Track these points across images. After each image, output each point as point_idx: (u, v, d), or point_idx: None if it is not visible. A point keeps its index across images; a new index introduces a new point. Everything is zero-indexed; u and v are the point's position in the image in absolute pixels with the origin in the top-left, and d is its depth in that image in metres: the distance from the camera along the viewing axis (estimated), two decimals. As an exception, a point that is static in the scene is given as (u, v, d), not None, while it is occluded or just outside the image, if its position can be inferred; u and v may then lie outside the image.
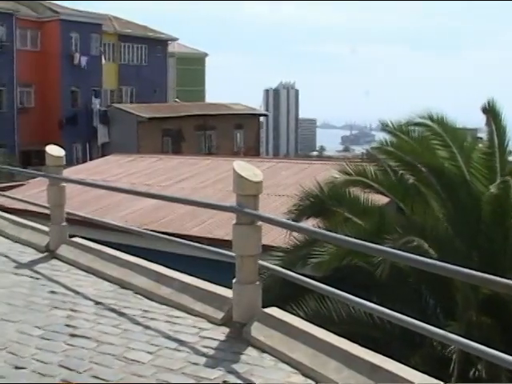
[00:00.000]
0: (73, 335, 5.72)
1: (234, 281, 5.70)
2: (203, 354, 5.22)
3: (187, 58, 68.53)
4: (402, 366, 4.49)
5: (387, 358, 4.58)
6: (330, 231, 6.68)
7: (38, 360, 5.24)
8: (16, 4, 49.09)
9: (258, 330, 5.43)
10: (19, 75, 47.30)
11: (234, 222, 5.67)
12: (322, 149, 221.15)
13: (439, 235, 9.08)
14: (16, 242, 9.78)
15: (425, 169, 10.02)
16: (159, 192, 11.54)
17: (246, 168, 5.62)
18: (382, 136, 11.67)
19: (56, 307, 6.55)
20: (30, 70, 47.74)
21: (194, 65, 69.33)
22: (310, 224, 9.76)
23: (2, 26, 46.52)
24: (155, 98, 55.94)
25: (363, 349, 4.78)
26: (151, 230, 8.92)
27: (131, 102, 54.81)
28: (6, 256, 8.92)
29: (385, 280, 8.37)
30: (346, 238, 5.59)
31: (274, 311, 5.63)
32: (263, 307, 5.71)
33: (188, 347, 5.37)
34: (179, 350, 5.31)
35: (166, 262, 7.48)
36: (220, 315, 5.87)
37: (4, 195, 13.31)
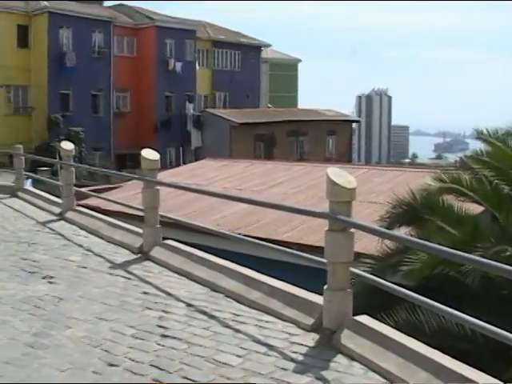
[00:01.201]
0: (164, 336, 5.80)
1: (325, 287, 5.66)
2: (292, 360, 5.20)
3: (280, 64, 68.73)
4: (495, 380, 4.37)
5: (478, 371, 4.46)
6: (422, 240, 6.56)
7: (130, 359, 5.33)
8: (114, 12, 50.35)
9: (348, 338, 5.38)
10: (116, 80, 48.43)
11: (327, 228, 5.63)
12: (415, 156, 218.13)
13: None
14: (110, 242, 10.03)
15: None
16: (251, 197, 11.59)
17: (340, 174, 5.58)
18: (476, 144, 11.41)
19: (148, 308, 6.67)
20: (126, 76, 48.80)
21: (286, 71, 69.47)
22: (402, 232, 9.62)
23: (100, 33, 47.73)
24: (248, 104, 56.29)
25: (454, 360, 4.66)
26: (242, 235, 8.96)
27: (224, 108, 55.33)
28: (101, 256, 9.16)
29: (477, 291, 8.17)
30: (439, 246, 5.47)
31: (364, 319, 5.57)
32: (353, 315, 5.66)
33: (277, 352, 5.36)
34: (268, 355, 5.31)
35: (255, 266, 7.51)
36: (310, 321, 5.85)
37: (100, 197, 13.65)
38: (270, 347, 5.46)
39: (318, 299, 5.98)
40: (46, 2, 45.10)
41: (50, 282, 7.81)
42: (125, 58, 49.79)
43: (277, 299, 6.37)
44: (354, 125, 69.62)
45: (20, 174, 16.13)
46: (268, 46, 63.59)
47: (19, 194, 15.53)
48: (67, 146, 12.93)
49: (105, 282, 7.80)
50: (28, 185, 17.53)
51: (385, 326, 5.66)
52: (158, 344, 5.62)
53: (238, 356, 5.30)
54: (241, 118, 47.86)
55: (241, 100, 55.96)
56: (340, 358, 5.19)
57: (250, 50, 59.43)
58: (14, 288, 7.56)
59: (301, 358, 5.25)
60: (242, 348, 5.46)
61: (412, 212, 9.93)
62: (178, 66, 51.09)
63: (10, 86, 44.52)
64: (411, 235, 9.35)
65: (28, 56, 45.15)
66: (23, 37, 45.12)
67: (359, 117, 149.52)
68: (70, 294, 7.27)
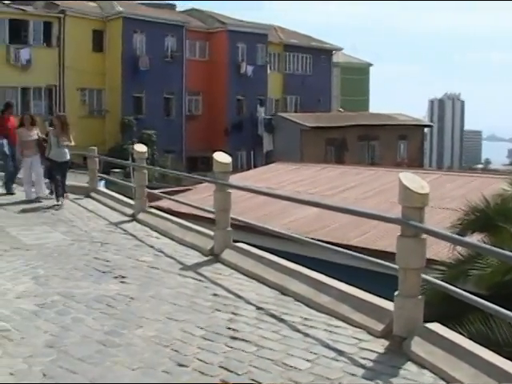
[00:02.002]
0: (233, 338, 5.83)
1: (395, 293, 5.61)
2: (361, 366, 5.17)
3: (351, 68, 68.33)
4: None
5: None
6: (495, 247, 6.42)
7: (199, 359, 5.37)
8: (186, 16, 50.91)
9: (418, 345, 5.31)
10: (188, 84, 48.89)
11: (399, 233, 5.58)
12: (488, 162, 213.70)
13: None
14: (181, 244, 10.14)
15: None
16: (322, 201, 11.55)
17: (413, 179, 5.53)
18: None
19: (218, 309, 6.71)
20: (198, 79, 49.22)
21: (358, 74, 69.02)
22: (474, 239, 9.44)
23: (173, 37, 48.28)
24: (319, 108, 56.10)
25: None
26: (312, 239, 8.94)
27: (295, 111, 55.27)
28: (172, 257, 9.27)
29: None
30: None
31: (435, 327, 5.49)
32: (423, 322, 5.59)
33: (346, 357, 5.33)
34: (337, 360, 5.28)
35: (325, 270, 7.48)
36: (380, 327, 5.80)
37: (171, 199, 13.78)
38: (339, 352, 5.44)
39: (388, 305, 5.93)
40: (120, 8, 45.91)
41: (122, 282, 7.94)
42: (197, 62, 50.22)
43: (346, 304, 6.34)
44: (425, 129, 68.69)
45: (94, 176, 16.44)
46: (339, 49, 63.33)
47: (93, 194, 15.84)
48: (140, 148, 13.12)
49: (175, 282, 7.90)
50: (101, 186, 17.87)
51: (457, 334, 5.56)
52: (227, 346, 5.65)
53: (306, 360, 5.29)
54: (312, 122, 47.73)
55: (312, 104, 55.82)
56: (410, 366, 5.13)
57: (322, 54, 59.24)
58: (87, 287, 7.72)
59: (370, 364, 5.21)
60: (310, 352, 5.45)
61: (485, 219, 9.73)
62: (250, 69, 51.29)
63: (85, 89, 45.44)
64: (484, 242, 9.17)
65: (103, 60, 46.00)
66: (98, 41, 45.99)
67: (431, 121, 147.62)
68: (141, 293, 7.38)
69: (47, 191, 15.73)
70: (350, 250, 7.88)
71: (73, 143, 14.93)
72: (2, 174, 17.04)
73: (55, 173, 14.88)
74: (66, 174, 15.23)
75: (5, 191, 16.47)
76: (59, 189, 14.60)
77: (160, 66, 46.33)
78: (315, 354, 5.42)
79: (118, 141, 43.74)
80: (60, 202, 14.34)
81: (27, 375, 5.08)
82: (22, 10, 42.83)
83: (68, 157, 14.99)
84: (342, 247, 7.88)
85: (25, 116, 16.05)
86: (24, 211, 13.96)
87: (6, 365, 5.26)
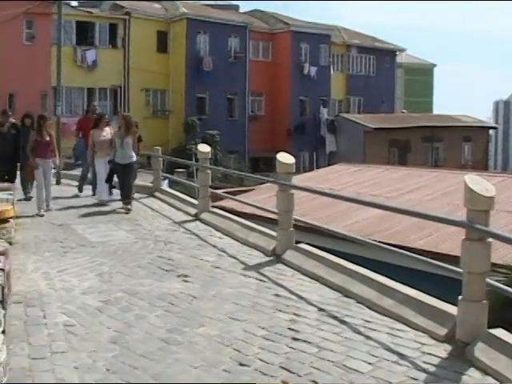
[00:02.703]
0: (295, 339, 5.84)
1: (459, 298, 5.53)
2: (423, 370, 5.11)
3: (415, 69, 67.58)
4: None
5: None
6: None
7: (260, 359, 5.39)
8: (250, 17, 51.05)
9: (481, 351, 5.23)
10: (251, 84, 49.00)
11: (463, 237, 5.50)
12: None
13: None
14: (244, 244, 10.19)
15: None
16: (385, 202, 11.45)
17: (478, 182, 5.44)
18: None
19: (280, 310, 6.72)
20: (262, 80, 49.26)
21: (421, 75, 68.20)
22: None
23: (236, 38, 48.43)
24: (382, 109, 55.66)
25: None
26: (375, 241, 8.87)
27: (358, 112, 54.90)
28: (234, 257, 9.32)
29: None
30: None
31: (500, 333, 5.38)
32: (487, 327, 5.50)
33: (408, 361, 5.28)
34: (399, 364, 5.24)
35: (387, 272, 7.43)
36: (443, 332, 5.73)
37: (234, 199, 13.85)
38: (401, 356, 5.39)
39: (451, 309, 5.86)
40: (184, 9, 46.33)
41: (185, 281, 8.02)
42: (260, 63, 50.28)
43: (409, 307, 6.28)
44: (490, 131, 67.49)
45: (158, 175, 16.63)
46: (403, 50, 62.66)
47: (157, 194, 16.03)
48: (204, 148, 13.22)
49: (238, 282, 7.94)
50: (165, 185, 18.07)
51: (522, 340, 5.45)
52: (289, 346, 5.65)
53: (368, 363, 5.26)
54: (375, 123, 47.39)
55: (375, 105, 55.40)
56: (472, 372, 5.06)
57: (385, 55, 58.69)
58: (150, 284, 7.82)
59: (432, 368, 5.15)
60: (372, 355, 5.42)
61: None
62: (313, 70, 51.13)
63: (149, 90, 45.91)
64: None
65: (167, 61, 46.42)
66: (162, 42, 46.41)
67: (496, 123, 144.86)
68: (203, 292, 7.44)
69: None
70: (413, 252, 7.81)
71: (137, 146, 14.73)
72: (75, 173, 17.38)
73: (118, 176, 14.56)
74: (132, 178, 14.75)
75: (78, 191, 16.80)
76: (124, 193, 14.25)
77: (223, 67, 46.54)
78: (377, 357, 5.39)
79: (182, 141, 44.09)
80: (130, 206, 14.02)
81: (91, 369, 5.17)
82: (89, 12, 43.62)
83: (133, 159, 14.43)
84: (404, 250, 7.80)
85: (103, 117, 15.82)
86: (91, 210, 14.20)
87: (71, 359, 5.37)
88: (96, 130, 15.19)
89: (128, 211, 13.81)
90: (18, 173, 15.81)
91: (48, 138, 13.94)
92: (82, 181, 16.88)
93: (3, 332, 4.82)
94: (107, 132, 15.18)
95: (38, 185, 13.86)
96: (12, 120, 16.20)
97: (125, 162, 14.19)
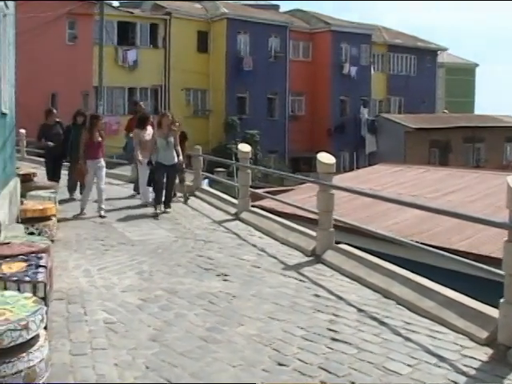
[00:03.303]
0: (334, 339, 5.82)
1: (501, 301, 5.47)
2: (463, 373, 5.06)
3: (457, 69, 66.95)
4: None
5: None
6: None
7: (299, 359, 5.39)
8: (290, 17, 51.05)
9: (525, 356, 5.17)
10: (291, 84, 49.00)
11: (505, 239, 5.43)
12: None
13: None
14: (284, 244, 10.20)
15: None
16: (425, 203, 11.36)
17: (521, 183, 5.37)
18: None
19: (319, 310, 6.71)
20: (302, 80, 49.24)
21: (463, 75, 67.54)
22: None
23: (277, 38, 48.45)
24: (423, 109, 55.25)
25: None
26: (416, 242, 8.80)
27: (399, 113, 54.57)
28: (274, 257, 9.33)
29: None
30: None
31: (543, 337, 5.32)
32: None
33: (448, 364, 5.24)
34: (439, 366, 5.20)
35: (427, 274, 7.37)
36: (483, 335, 5.67)
37: (274, 198, 13.84)
38: (441, 358, 5.35)
39: (492, 312, 5.80)
40: (225, 9, 46.50)
41: (225, 280, 8.04)
42: (300, 62, 50.25)
43: (450, 310, 6.23)
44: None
45: (198, 174, 16.70)
46: (444, 50, 62.10)
47: (197, 193, 16.10)
48: (244, 148, 13.24)
49: (277, 282, 7.94)
50: (205, 184, 18.14)
51: None
52: (328, 347, 5.64)
53: (407, 365, 5.23)
54: (416, 123, 47.06)
55: (416, 105, 55.02)
56: (514, 376, 5.00)
57: (426, 55, 58.24)
58: (190, 283, 7.86)
59: (472, 372, 5.10)
60: (412, 357, 5.39)
61: None
62: (353, 70, 50.96)
63: (189, 90, 46.17)
64: None
65: (207, 60, 46.63)
66: (203, 42, 46.64)
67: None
68: (243, 292, 7.46)
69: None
70: (454, 254, 7.73)
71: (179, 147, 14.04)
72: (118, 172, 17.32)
73: (160, 177, 13.70)
74: (175, 180, 14.31)
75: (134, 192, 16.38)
76: (167, 196, 13.83)
77: (264, 67, 46.60)
78: (416, 359, 5.35)
79: (222, 140, 44.25)
80: (169, 210, 13.70)
81: (131, 366, 5.22)
82: (130, 12, 44.03)
83: (176, 160, 13.82)
84: (445, 251, 7.73)
85: (148, 117, 15.42)
86: (132, 209, 14.31)
87: (111, 356, 5.43)
88: (139, 130, 14.82)
89: (166, 212, 13.58)
90: (66, 172, 15.79)
91: (100, 139, 13.52)
92: (137, 181, 16.08)
93: (45, 328, 4.88)
94: (150, 132, 14.62)
95: (87, 186, 13.48)
96: (57, 119, 16.19)
97: (170, 163, 13.63)
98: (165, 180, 13.73)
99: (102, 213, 13.16)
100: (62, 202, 13.79)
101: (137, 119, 15.64)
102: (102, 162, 13.61)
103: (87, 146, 13.33)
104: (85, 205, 13.39)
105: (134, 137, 15.05)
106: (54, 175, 15.67)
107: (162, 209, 13.70)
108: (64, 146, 15.34)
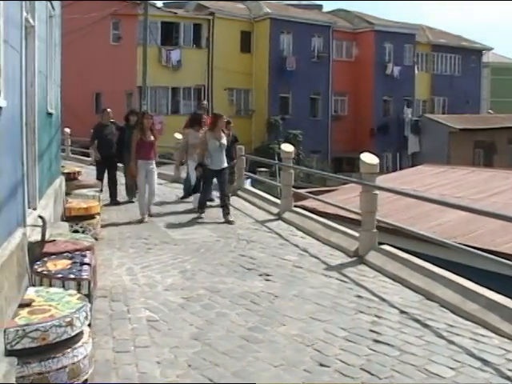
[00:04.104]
0: (376, 341, 5.79)
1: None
2: (508, 378, 5.00)
3: (502, 69, 66.06)
4: None
5: None
6: None
7: (340, 360, 5.37)
8: (333, 17, 50.91)
9: None
10: (334, 84, 48.83)
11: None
12: None
13: None
14: (326, 244, 10.18)
15: None
16: (470, 205, 11.23)
17: None
18: None
19: (361, 311, 6.69)
20: (345, 80, 49.03)
21: (509, 75, 66.60)
22: None
23: (320, 38, 48.30)
24: (468, 109, 54.61)
25: None
26: (459, 243, 8.71)
27: (443, 113, 54.04)
28: (316, 257, 9.31)
29: None
30: None
31: None
32: None
33: (492, 368, 5.18)
34: (482, 370, 5.14)
35: (469, 276, 7.29)
36: (529, 339, 5.60)
37: (317, 198, 13.81)
38: (485, 362, 5.29)
39: (539, 316, 5.72)
40: (268, 9, 46.53)
41: (267, 280, 8.05)
42: (343, 62, 50.06)
43: (494, 313, 6.16)
44: None
45: (241, 174, 16.72)
46: (490, 49, 61.33)
47: (239, 193, 16.13)
48: (287, 148, 13.24)
49: (319, 282, 7.92)
50: (247, 184, 18.16)
51: None
52: (370, 348, 5.62)
53: (450, 368, 5.18)
54: (460, 124, 46.55)
55: (460, 105, 54.43)
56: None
57: (471, 54, 57.59)
58: (232, 283, 7.88)
59: (518, 376, 5.04)
60: (455, 360, 5.34)
61: None
62: (397, 70, 50.59)
63: (232, 89, 46.27)
64: None
65: (250, 60, 46.71)
66: (246, 42, 46.72)
67: None
68: (285, 292, 7.46)
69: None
70: (499, 256, 7.64)
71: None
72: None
73: (209, 185, 13.18)
74: (227, 184, 13.24)
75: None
76: (222, 203, 12.89)
77: (306, 67, 46.52)
78: (459, 362, 5.30)
79: (264, 140, 44.27)
80: (231, 218, 12.57)
81: (173, 364, 5.26)
82: (174, 12, 44.30)
83: (225, 164, 13.06)
84: (489, 253, 7.64)
85: (202, 117, 14.88)
86: (173, 207, 14.38)
87: (154, 354, 5.47)
88: (191, 130, 14.51)
89: (230, 223, 12.40)
90: (122, 174, 15.61)
91: (152, 138, 12.96)
92: (189, 183, 15.45)
93: (89, 325, 4.94)
94: (202, 133, 13.87)
95: (141, 190, 12.99)
96: (112, 119, 15.93)
97: (219, 167, 12.87)
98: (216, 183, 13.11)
99: (146, 218, 12.71)
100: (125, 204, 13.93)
101: (190, 118, 15.39)
102: (154, 165, 13.15)
103: (139, 145, 12.78)
104: (144, 209, 12.89)
105: (185, 137, 14.90)
106: (103, 177, 15.37)
107: (222, 219, 12.69)
108: (117, 148, 15.16)
